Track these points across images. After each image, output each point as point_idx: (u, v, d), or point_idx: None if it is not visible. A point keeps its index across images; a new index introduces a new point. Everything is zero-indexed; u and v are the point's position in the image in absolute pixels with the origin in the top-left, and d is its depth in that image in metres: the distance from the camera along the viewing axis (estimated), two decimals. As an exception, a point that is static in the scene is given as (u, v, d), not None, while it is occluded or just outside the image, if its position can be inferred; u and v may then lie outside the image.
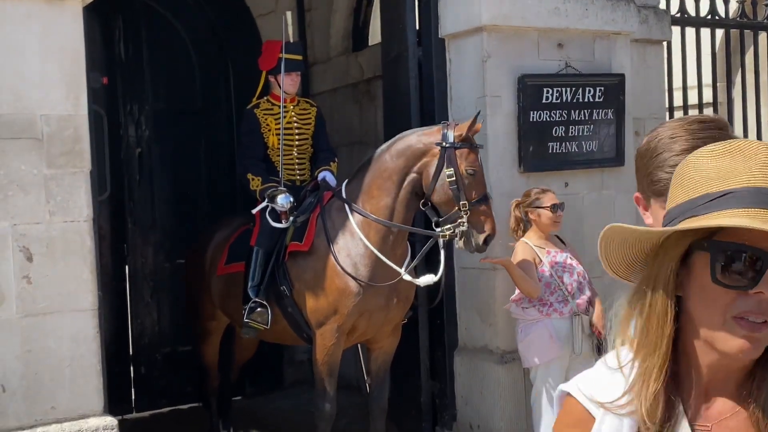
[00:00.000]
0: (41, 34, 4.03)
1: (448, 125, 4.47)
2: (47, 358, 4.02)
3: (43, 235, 4.01)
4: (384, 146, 4.68)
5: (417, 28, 5.45)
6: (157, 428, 6.39)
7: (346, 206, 4.66)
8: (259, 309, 4.81)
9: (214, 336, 5.73)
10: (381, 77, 6.14)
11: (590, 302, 4.68)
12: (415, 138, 4.56)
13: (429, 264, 4.89)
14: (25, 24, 3.99)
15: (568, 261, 4.68)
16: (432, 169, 4.43)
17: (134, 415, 6.59)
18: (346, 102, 7.28)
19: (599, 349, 4.64)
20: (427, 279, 4.63)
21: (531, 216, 4.72)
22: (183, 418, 6.52)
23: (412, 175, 4.51)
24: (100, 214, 6.14)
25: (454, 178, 4.35)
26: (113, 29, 6.61)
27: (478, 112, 4.55)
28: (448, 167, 4.37)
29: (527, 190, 4.82)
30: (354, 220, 4.62)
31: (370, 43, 7.23)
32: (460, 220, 4.36)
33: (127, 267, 6.71)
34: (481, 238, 4.37)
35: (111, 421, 4.14)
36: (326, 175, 5.08)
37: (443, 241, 4.51)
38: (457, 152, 4.37)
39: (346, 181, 4.81)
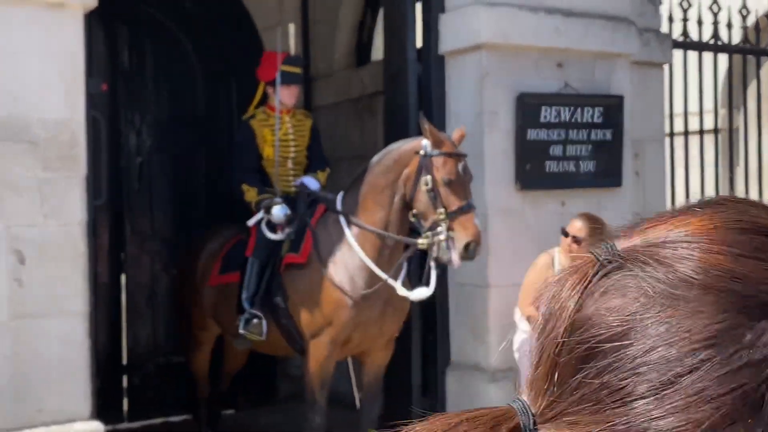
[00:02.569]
0: (41, 38, 4.06)
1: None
2: (36, 360, 4.03)
3: (37, 238, 4.03)
4: (375, 159, 4.69)
5: (418, 44, 5.47)
6: (148, 439, 6.37)
7: (342, 219, 4.67)
8: (255, 320, 4.81)
9: (205, 346, 5.72)
10: (383, 92, 6.16)
11: None
12: (401, 149, 4.58)
13: (423, 277, 4.85)
14: (25, 28, 4.03)
15: None
16: (413, 179, 4.44)
17: (126, 424, 6.56)
18: (347, 116, 7.30)
19: None
20: (420, 293, 4.60)
21: None
22: (174, 430, 6.49)
23: (402, 191, 4.53)
24: (99, 222, 6.18)
25: (430, 186, 4.35)
26: (118, 38, 6.65)
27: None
28: (425, 175, 4.37)
29: None
30: (350, 233, 4.62)
31: (372, 59, 7.25)
32: (439, 229, 4.34)
33: (124, 275, 6.71)
34: (461, 244, 4.30)
35: (98, 426, 4.14)
36: (303, 180, 5.08)
37: (432, 254, 4.48)
38: (434, 160, 4.37)
39: (341, 193, 4.82)
